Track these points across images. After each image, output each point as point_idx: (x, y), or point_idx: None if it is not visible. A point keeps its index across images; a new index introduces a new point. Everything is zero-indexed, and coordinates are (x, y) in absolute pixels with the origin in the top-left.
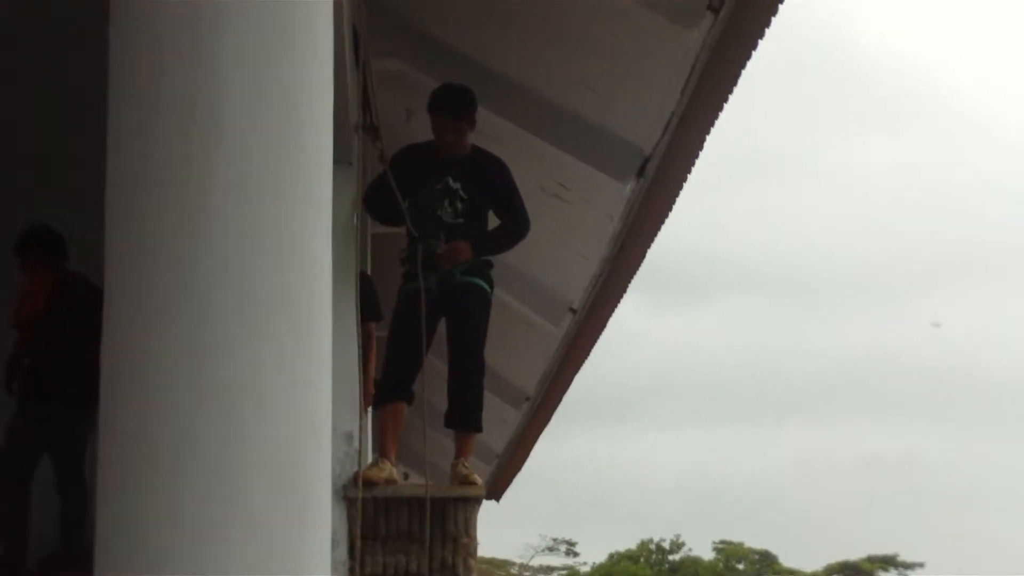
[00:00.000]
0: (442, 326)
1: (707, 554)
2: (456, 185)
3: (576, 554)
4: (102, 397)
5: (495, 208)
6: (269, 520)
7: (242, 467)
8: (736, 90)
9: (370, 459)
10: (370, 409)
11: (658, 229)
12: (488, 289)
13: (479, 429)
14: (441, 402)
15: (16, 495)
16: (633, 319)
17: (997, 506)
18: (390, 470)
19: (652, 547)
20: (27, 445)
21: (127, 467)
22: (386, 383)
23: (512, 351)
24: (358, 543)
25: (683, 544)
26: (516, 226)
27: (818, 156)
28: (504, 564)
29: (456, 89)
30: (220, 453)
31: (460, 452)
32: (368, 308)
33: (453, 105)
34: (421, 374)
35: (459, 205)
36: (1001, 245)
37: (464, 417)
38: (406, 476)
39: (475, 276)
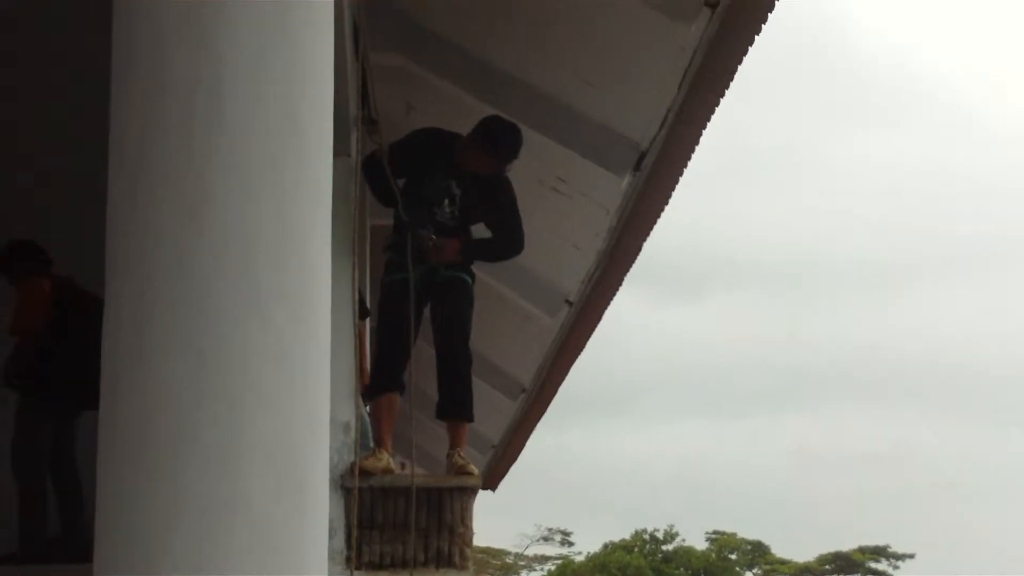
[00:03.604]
0: (426, 315)
1: (700, 544)
2: (457, 192)
3: (571, 544)
4: (102, 389)
5: (489, 223)
6: (267, 509)
7: (241, 457)
8: (732, 85)
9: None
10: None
11: (654, 223)
12: (470, 281)
13: (470, 419)
14: (429, 388)
15: (35, 483)
16: (630, 313)
17: (988, 499)
18: (387, 460)
19: (646, 537)
20: (37, 435)
21: (127, 457)
22: (378, 375)
23: (509, 342)
24: (355, 532)
25: (676, 534)
26: (508, 243)
27: (813, 151)
28: (499, 553)
29: (513, 139)
30: (219, 443)
31: (454, 442)
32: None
33: (504, 154)
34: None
35: (454, 211)
36: (994, 238)
37: (455, 407)
38: (403, 466)
39: (457, 271)
